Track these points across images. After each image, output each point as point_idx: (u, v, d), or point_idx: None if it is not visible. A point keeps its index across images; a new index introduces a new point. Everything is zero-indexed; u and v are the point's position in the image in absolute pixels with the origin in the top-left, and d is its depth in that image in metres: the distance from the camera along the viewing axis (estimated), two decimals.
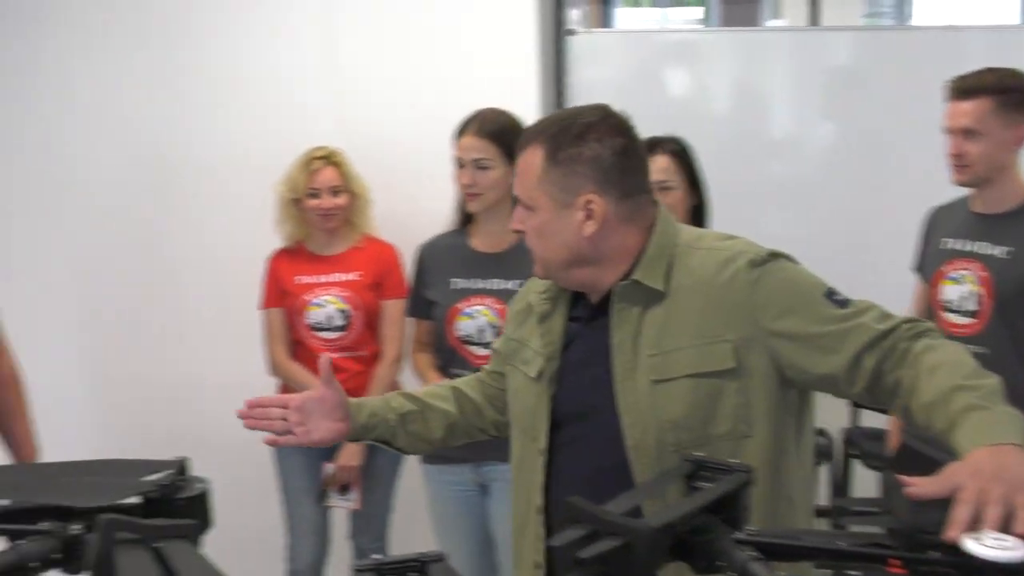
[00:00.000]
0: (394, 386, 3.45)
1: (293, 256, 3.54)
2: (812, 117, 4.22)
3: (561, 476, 1.93)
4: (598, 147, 1.85)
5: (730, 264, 1.84)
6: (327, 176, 3.43)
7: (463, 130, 3.06)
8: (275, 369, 3.55)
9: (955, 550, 1.15)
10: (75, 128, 4.16)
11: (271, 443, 2.05)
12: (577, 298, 1.99)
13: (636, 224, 1.89)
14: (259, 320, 3.59)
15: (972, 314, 2.89)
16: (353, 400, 2.06)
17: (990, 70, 2.89)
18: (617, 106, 3.88)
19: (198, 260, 4.15)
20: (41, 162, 4.17)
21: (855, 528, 1.46)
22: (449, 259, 3.15)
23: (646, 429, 1.83)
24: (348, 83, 3.98)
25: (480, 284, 3.11)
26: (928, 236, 3.15)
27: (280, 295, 3.51)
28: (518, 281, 3.01)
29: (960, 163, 2.87)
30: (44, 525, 1.30)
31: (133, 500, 1.37)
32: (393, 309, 3.44)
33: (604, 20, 11.66)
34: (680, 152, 3.10)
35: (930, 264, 3.08)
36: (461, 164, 3.04)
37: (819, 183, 4.08)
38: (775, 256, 1.85)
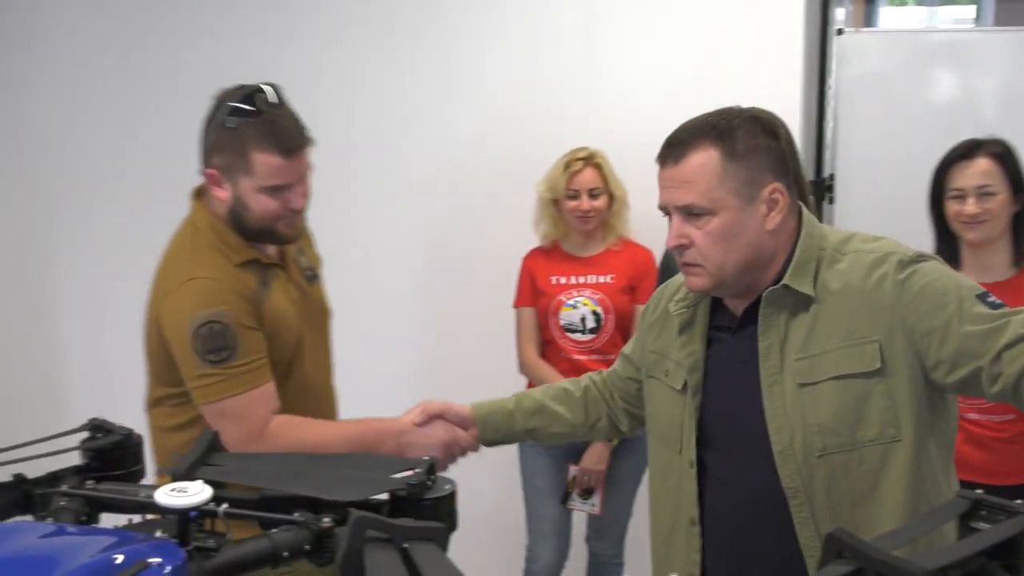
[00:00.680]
0: None
1: (548, 256, 3.58)
2: None
3: (711, 487, 1.96)
4: (768, 139, 1.87)
5: (879, 265, 1.86)
6: (587, 178, 3.44)
7: None
8: (524, 367, 3.58)
9: None
10: (358, 132, 4.31)
11: None
12: (715, 305, 2.00)
13: (793, 221, 1.92)
14: (512, 318, 3.63)
15: None
16: (476, 404, 2.27)
17: None
18: (880, 107, 3.71)
19: (464, 259, 4.24)
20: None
21: None
22: None
23: (792, 434, 1.84)
24: (608, 84, 3.98)
25: None
26: None
27: (534, 294, 3.55)
28: None
29: None
30: (297, 516, 1.33)
31: (383, 497, 1.40)
32: None
33: (868, 19, 11.26)
34: (1003, 155, 2.90)
35: None
36: None
37: None
38: (925, 256, 1.86)
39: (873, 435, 1.81)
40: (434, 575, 1.14)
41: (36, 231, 4.72)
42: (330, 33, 4.32)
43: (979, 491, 1.35)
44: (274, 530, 1.32)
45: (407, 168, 4.26)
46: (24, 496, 1.47)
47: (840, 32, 4.12)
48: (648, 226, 3.51)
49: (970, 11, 13.11)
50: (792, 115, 3.75)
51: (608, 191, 3.46)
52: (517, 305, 3.59)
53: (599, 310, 3.47)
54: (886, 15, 12.95)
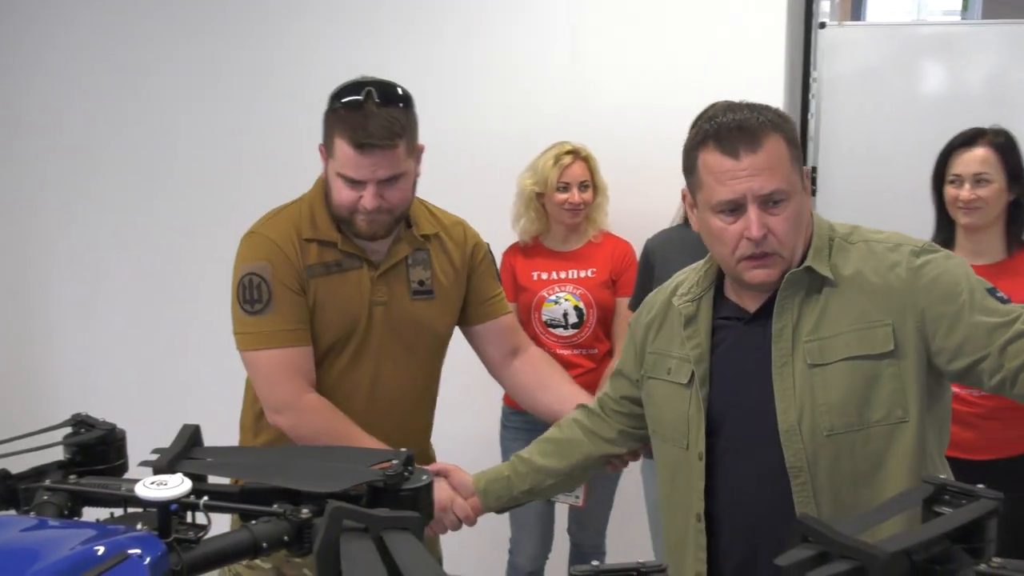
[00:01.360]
0: None
1: (529, 251, 3.59)
2: None
3: (721, 480, 1.96)
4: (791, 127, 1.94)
5: (891, 253, 1.90)
6: (577, 171, 3.46)
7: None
8: None
9: None
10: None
11: None
12: (717, 299, 2.02)
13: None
14: None
15: None
16: (476, 475, 2.23)
17: None
18: (867, 102, 3.75)
19: None
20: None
21: None
22: (684, 253, 2.99)
23: (801, 414, 1.86)
24: (590, 79, 4.00)
25: None
26: None
27: (516, 290, 3.54)
28: None
29: None
30: (276, 507, 1.35)
31: (428, 480, 1.42)
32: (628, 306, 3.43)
33: (855, 10, 11.27)
34: (1004, 145, 2.99)
35: None
36: None
37: None
38: (935, 247, 1.92)
39: (881, 416, 1.84)
40: (407, 563, 1.15)
41: (18, 226, 4.73)
42: (314, 30, 4.33)
43: (943, 476, 1.38)
44: (253, 522, 1.33)
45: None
46: (8, 491, 1.46)
47: (823, 26, 4.13)
48: (624, 220, 3.61)
49: (957, 3, 13.15)
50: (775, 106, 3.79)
51: (595, 184, 3.49)
52: None
53: (581, 305, 3.48)
54: (874, 5, 12.97)
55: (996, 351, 1.75)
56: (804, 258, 1.91)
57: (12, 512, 1.47)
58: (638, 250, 3.44)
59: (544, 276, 3.52)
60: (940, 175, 3.03)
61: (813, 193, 4.16)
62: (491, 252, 2.70)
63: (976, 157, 2.93)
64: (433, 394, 2.66)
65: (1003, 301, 1.83)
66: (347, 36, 4.28)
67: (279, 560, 2.33)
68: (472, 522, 2.30)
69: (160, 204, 4.47)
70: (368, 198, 2.31)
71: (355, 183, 2.30)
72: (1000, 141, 2.97)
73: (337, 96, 2.36)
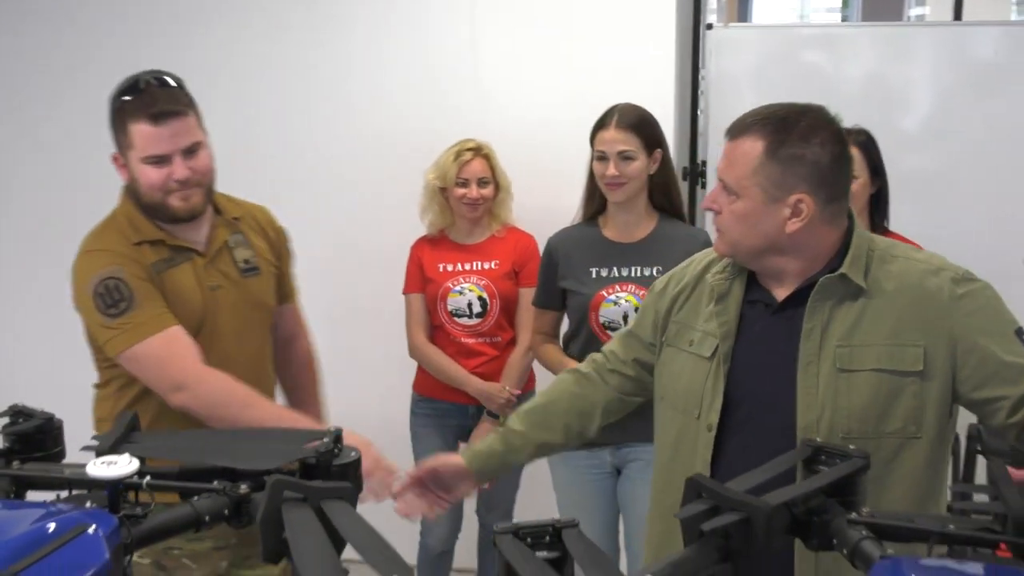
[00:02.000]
0: (526, 372, 3.54)
1: (435, 244, 3.62)
2: (954, 114, 4.11)
3: (727, 455, 1.97)
4: (820, 151, 1.89)
5: (933, 276, 1.92)
6: (476, 167, 3.49)
7: (603, 124, 3.07)
8: (414, 351, 3.63)
9: None
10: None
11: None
12: (750, 282, 2.04)
13: (834, 226, 1.95)
14: (400, 303, 3.67)
15: None
16: (466, 456, 2.24)
17: None
18: (753, 99, 3.84)
19: (348, 246, 4.28)
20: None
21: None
22: (586, 250, 3.16)
23: (821, 415, 1.89)
24: (489, 79, 4.06)
25: (621, 271, 3.11)
26: None
27: (422, 281, 3.59)
28: (658, 268, 3.03)
29: None
30: (216, 484, 1.39)
31: (294, 465, 1.42)
32: (531, 297, 3.43)
33: (741, 13, 11.49)
34: (866, 143, 3.12)
35: None
36: (603, 157, 3.03)
37: (961, 179, 4.03)
38: (975, 278, 1.92)
39: (895, 428, 1.87)
40: (346, 528, 1.20)
41: None
42: (228, 27, 4.31)
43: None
44: (195, 498, 1.37)
45: (305, 160, 4.30)
46: None
47: (710, 27, 4.19)
48: (526, 216, 3.66)
49: (838, 4, 13.48)
50: (666, 106, 3.86)
51: (495, 181, 3.52)
52: (406, 292, 3.64)
53: (484, 295, 3.52)
54: (759, 7, 13.24)
55: (1017, 396, 1.80)
56: (836, 266, 1.93)
57: None
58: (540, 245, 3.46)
59: (449, 268, 3.55)
60: None
61: (703, 185, 4.24)
62: (286, 236, 2.80)
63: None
64: (270, 365, 2.73)
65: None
66: (259, 39, 4.30)
67: (158, 553, 2.35)
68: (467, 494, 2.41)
69: (86, 195, 4.42)
70: (177, 168, 2.36)
71: (160, 159, 2.36)
72: (862, 139, 3.10)
73: (118, 95, 2.40)
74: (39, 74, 4.49)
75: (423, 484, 2.15)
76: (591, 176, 3.14)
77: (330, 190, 4.28)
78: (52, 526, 1.18)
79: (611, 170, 3.01)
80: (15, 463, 1.51)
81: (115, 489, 1.32)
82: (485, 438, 2.33)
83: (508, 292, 3.53)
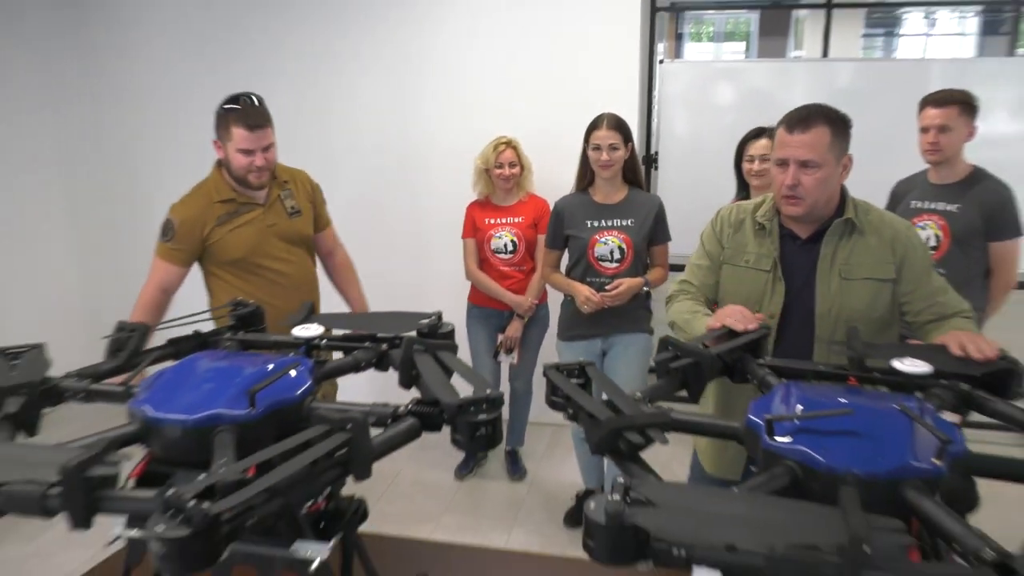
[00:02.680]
0: (541, 290, 3.56)
1: (483, 206, 3.61)
2: None
3: (784, 334, 1.98)
4: (848, 127, 1.91)
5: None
6: (508, 155, 3.48)
7: (597, 126, 3.04)
8: (469, 275, 3.64)
9: (889, 370, 1.21)
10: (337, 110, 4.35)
11: None
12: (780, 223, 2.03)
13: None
14: (460, 244, 3.68)
15: (934, 248, 2.95)
16: None
17: (954, 89, 2.94)
18: (686, 110, 3.75)
19: (425, 207, 4.30)
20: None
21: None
22: (583, 209, 3.16)
23: (831, 305, 1.93)
24: (517, 92, 4.05)
25: (608, 223, 3.11)
26: (897, 199, 3.15)
27: (474, 230, 3.60)
28: (631, 219, 3.07)
29: (935, 148, 2.91)
30: (366, 344, 1.44)
31: (413, 333, 1.45)
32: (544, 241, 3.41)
33: (677, 51, 11.34)
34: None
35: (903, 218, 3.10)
36: (598, 148, 3.02)
37: None
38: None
39: (878, 316, 1.92)
40: (452, 364, 1.25)
41: None
42: (326, 35, 4.24)
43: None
44: (355, 352, 1.41)
45: (403, 152, 4.28)
46: (201, 344, 1.50)
47: (661, 62, 4.19)
48: (543, 189, 3.63)
49: (741, 46, 13.31)
50: (632, 115, 3.87)
51: (521, 163, 3.51)
52: (463, 237, 3.62)
53: (515, 239, 3.51)
54: (690, 47, 13.06)
55: (927, 305, 1.89)
56: (841, 213, 1.95)
57: None
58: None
59: (491, 221, 3.55)
60: (739, 156, 3.16)
61: (656, 168, 4.27)
62: (320, 189, 2.89)
63: (761, 143, 3.05)
64: (315, 276, 2.85)
65: (939, 274, 1.98)
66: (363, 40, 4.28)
67: None
68: None
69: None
70: (257, 159, 2.52)
71: (249, 152, 2.51)
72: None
73: (226, 104, 2.54)
74: (163, 78, 4.48)
75: None
76: (583, 160, 3.14)
77: (420, 172, 4.29)
78: (271, 365, 1.22)
79: (604, 156, 3.04)
80: (240, 333, 1.56)
81: (308, 345, 1.39)
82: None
83: (530, 237, 3.52)
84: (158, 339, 1.54)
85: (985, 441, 1.55)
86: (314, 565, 1.13)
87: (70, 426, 1.55)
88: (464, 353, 3.67)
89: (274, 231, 2.66)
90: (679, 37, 12.31)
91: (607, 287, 3.04)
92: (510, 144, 3.51)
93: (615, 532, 0.79)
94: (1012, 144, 3.88)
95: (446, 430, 1.13)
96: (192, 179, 2.73)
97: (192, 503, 0.81)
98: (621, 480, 0.83)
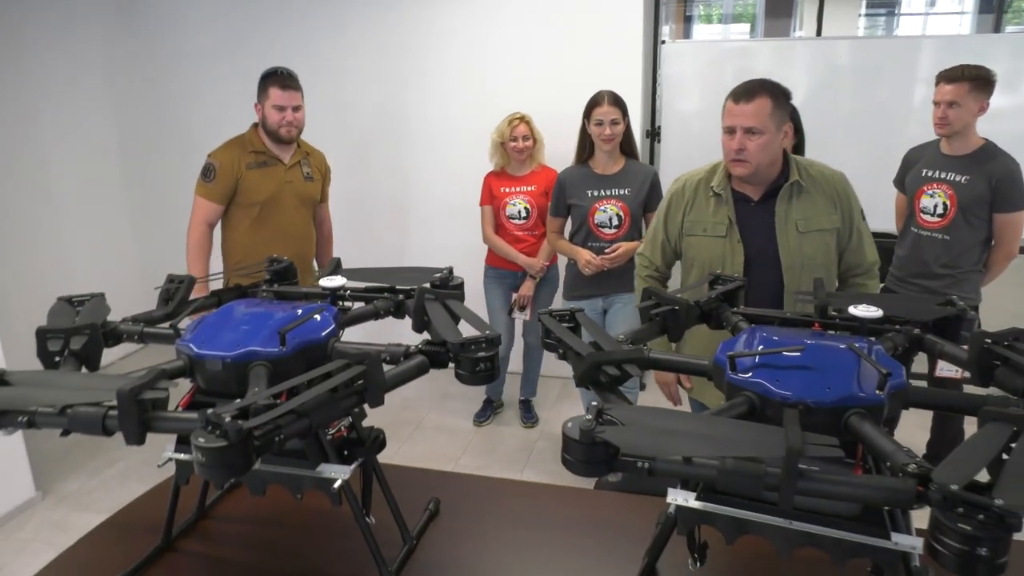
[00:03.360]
0: (552, 253, 3.59)
1: (499, 176, 3.64)
2: (819, 103, 4.06)
3: (749, 287, 2.03)
4: (788, 99, 2.00)
5: (833, 176, 2.07)
6: (521, 129, 3.50)
7: (599, 103, 3.07)
8: (485, 239, 3.68)
9: (848, 316, 1.24)
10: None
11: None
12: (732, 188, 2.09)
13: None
14: (478, 212, 3.72)
15: (941, 216, 2.96)
16: None
17: (968, 65, 2.87)
18: (687, 91, 3.76)
19: (446, 178, 4.33)
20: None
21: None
22: (583, 179, 3.19)
23: (794, 257, 2.02)
24: (526, 73, 4.06)
25: (607, 192, 3.15)
26: (908, 165, 3.14)
27: (490, 197, 3.63)
28: (628, 188, 3.11)
29: (944, 122, 2.88)
30: (385, 295, 1.47)
31: (427, 284, 1.45)
32: None
33: (686, 32, 11.17)
34: (793, 112, 2.98)
35: (912, 185, 3.09)
36: (600, 123, 3.06)
37: (827, 144, 3.94)
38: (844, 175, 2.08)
39: (828, 261, 2.04)
40: (458, 311, 1.28)
41: None
42: (370, 37, 4.28)
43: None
44: (374, 300, 1.44)
45: (435, 126, 4.32)
46: (241, 294, 1.52)
47: (663, 42, 4.19)
48: (552, 160, 3.67)
49: (747, 27, 13.06)
50: (635, 93, 3.89)
51: (532, 136, 3.52)
52: (481, 204, 3.66)
53: (528, 206, 3.55)
54: (699, 28, 12.85)
55: (849, 245, 2.03)
56: (788, 177, 2.03)
57: None
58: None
59: (506, 189, 3.58)
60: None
61: (658, 141, 4.32)
62: (330, 172, 3.17)
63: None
64: (313, 235, 3.11)
65: (863, 220, 2.09)
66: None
67: None
68: None
69: None
70: (288, 115, 2.85)
71: (282, 109, 2.83)
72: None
73: (266, 73, 2.87)
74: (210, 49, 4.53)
75: None
76: (583, 134, 3.17)
77: (451, 144, 4.32)
78: (300, 311, 1.26)
79: (607, 131, 3.07)
80: (275, 286, 1.59)
81: (334, 293, 1.44)
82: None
83: (542, 205, 3.54)
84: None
85: None
86: (336, 484, 1.20)
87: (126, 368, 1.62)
88: (482, 311, 3.79)
89: (290, 188, 2.93)
90: (688, 19, 12.13)
91: (606, 251, 3.09)
92: (523, 119, 3.52)
93: (587, 447, 0.84)
94: (999, 117, 3.83)
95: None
96: None
97: (228, 420, 0.88)
98: (595, 403, 0.88)
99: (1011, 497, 0.69)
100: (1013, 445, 0.81)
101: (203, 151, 2.98)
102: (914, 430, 3.18)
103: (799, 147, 3.09)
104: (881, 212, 3.28)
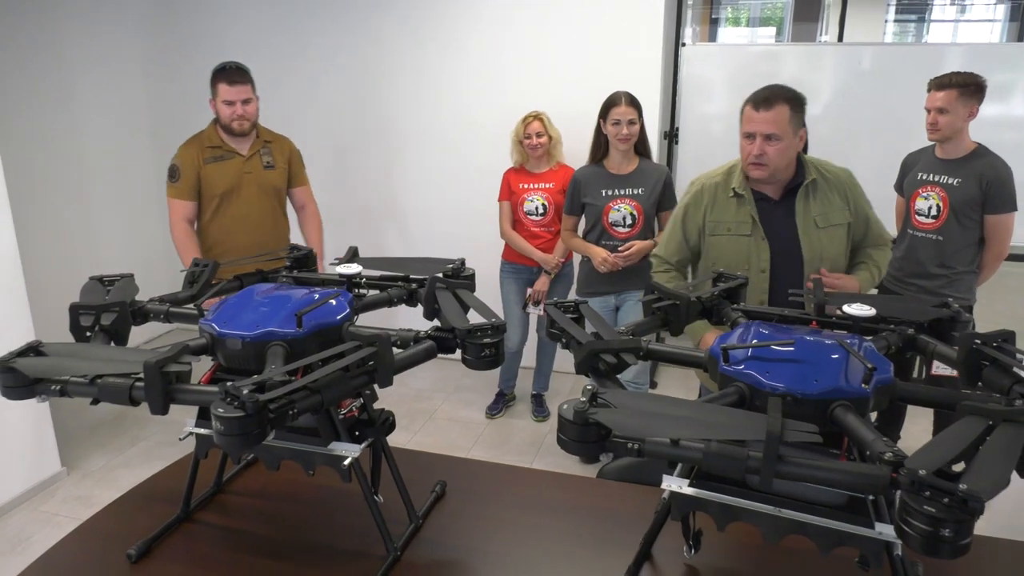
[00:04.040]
0: (568, 250, 3.60)
1: (517, 172, 3.67)
2: (840, 107, 4.06)
3: (775, 284, 2.11)
4: (804, 106, 2.05)
5: (843, 174, 2.13)
6: (535, 126, 3.54)
7: (616, 103, 3.09)
8: (503, 235, 3.72)
9: (844, 315, 1.26)
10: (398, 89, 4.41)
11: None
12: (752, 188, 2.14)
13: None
14: (496, 207, 3.76)
15: (935, 217, 3.00)
16: None
17: (956, 73, 2.94)
18: (706, 93, 3.78)
19: (467, 175, 4.37)
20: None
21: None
22: (598, 178, 3.22)
23: (814, 250, 2.08)
24: (547, 73, 4.08)
25: (621, 191, 3.18)
26: (906, 169, 3.19)
27: (509, 193, 3.66)
28: (641, 188, 3.14)
29: (934, 128, 2.94)
30: (399, 283, 1.50)
31: (439, 274, 1.42)
32: None
33: (712, 34, 11.10)
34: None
35: (908, 188, 3.15)
36: (618, 123, 3.09)
37: (850, 146, 3.93)
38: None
39: (842, 252, 2.11)
40: (468, 300, 1.32)
41: None
42: (400, 40, 4.32)
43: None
44: (389, 288, 1.47)
45: (459, 125, 4.36)
46: (262, 279, 1.55)
47: (684, 45, 4.19)
48: (571, 159, 3.71)
49: (773, 30, 12.95)
50: (654, 94, 3.93)
51: (549, 134, 3.54)
52: (500, 199, 3.70)
53: (545, 203, 3.58)
54: (726, 31, 12.77)
55: (863, 235, 2.10)
56: (803, 176, 2.08)
57: None
58: None
59: (525, 186, 3.61)
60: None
61: (676, 142, 4.32)
62: (300, 154, 3.21)
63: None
64: (282, 221, 3.16)
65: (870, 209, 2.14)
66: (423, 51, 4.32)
67: None
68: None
69: None
70: (238, 108, 2.91)
71: (231, 103, 2.90)
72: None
73: (216, 70, 2.93)
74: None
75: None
76: (597, 133, 3.20)
77: (472, 141, 4.35)
78: (317, 295, 1.30)
79: (624, 131, 3.11)
80: (294, 272, 1.62)
81: (349, 280, 1.49)
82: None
83: (559, 202, 3.56)
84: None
85: None
86: (346, 461, 1.25)
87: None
88: (497, 305, 3.83)
89: (250, 178, 3.01)
90: (714, 21, 12.05)
91: (620, 249, 3.12)
92: (537, 117, 3.56)
93: (581, 428, 0.89)
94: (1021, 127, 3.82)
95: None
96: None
97: (246, 392, 0.94)
98: (589, 387, 0.93)
99: (974, 483, 0.73)
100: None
101: None
102: (924, 435, 3.19)
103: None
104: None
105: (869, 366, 1.00)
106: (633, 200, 3.15)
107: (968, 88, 2.88)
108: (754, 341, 1.10)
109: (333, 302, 1.29)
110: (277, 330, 1.20)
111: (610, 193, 3.18)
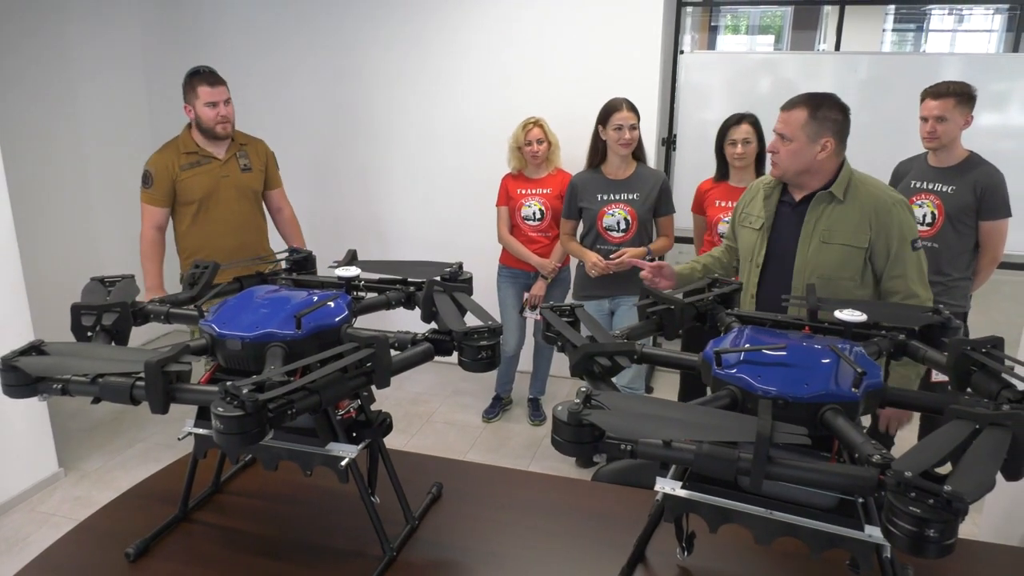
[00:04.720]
0: (565, 255, 3.59)
1: (515, 178, 3.67)
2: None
3: (765, 281, 2.14)
4: (839, 115, 2.01)
5: (885, 196, 2.03)
6: (535, 132, 3.53)
7: (618, 108, 3.10)
8: (500, 239, 3.71)
9: (837, 321, 1.27)
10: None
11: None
12: (784, 192, 2.15)
13: (837, 159, 2.06)
14: (494, 212, 3.74)
15: (930, 225, 3.00)
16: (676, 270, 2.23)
17: (952, 82, 2.95)
18: (703, 101, 3.82)
19: (465, 180, 4.36)
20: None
21: None
22: (594, 183, 3.22)
23: (806, 261, 2.05)
24: (546, 79, 4.08)
25: (616, 196, 3.19)
26: (898, 177, 3.19)
27: (507, 198, 3.66)
28: (637, 193, 3.15)
29: (933, 136, 2.93)
30: (397, 286, 1.51)
31: (437, 277, 1.49)
32: None
33: (711, 42, 11.13)
34: (756, 123, 3.13)
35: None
36: (620, 128, 3.10)
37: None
38: (902, 200, 2.03)
39: (846, 276, 2.02)
40: (465, 303, 1.33)
41: None
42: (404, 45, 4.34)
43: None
44: (387, 291, 1.49)
45: (456, 133, 4.36)
46: (262, 282, 1.55)
47: (682, 52, 4.20)
48: (568, 164, 3.68)
49: (771, 38, 13.01)
50: (652, 101, 3.94)
51: (547, 140, 3.54)
52: (497, 204, 3.68)
53: (543, 208, 3.57)
54: (725, 39, 12.81)
55: (898, 277, 1.98)
56: (830, 184, 2.04)
57: None
58: None
59: (522, 191, 3.61)
60: (721, 139, 3.18)
61: (674, 149, 4.32)
62: (275, 156, 3.17)
63: (743, 128, 3.10)
64: (261, 223, 3.13)
65: (915, 248, 2.01)
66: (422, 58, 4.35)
67: None
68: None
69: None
70: (222, 109, 2.87)
71: (214, 104, 2.86)
72: (754, 120, 3.13)
73: (190, 74, 2.89)
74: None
75: (658, 272, 2.17)
76: (595, 139, 3.21)
77: (470, 146, 4.35)
78: (316, 297, 1.32)
79: (626, 136, 3.13)
80: (293, 274, 1.64)
81: (348, 283, 1.50)
82: (685, 264, 2.34)
83: (557, 207, 3.56)
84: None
85: None
86: (344, 462, 1.26)
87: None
88: (494, 309, 3.83)
89: (228, 182, 2.98)
90: (713, 29, 12.09)
91: (612, 255, 3.14)
92: (537, 123, 3.56)
93: (575, 429, 0.90)
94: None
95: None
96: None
97: (246, 392, 0.95)
98: (583, 389, 0.95)
99: (959, 484, 0.74)
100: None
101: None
102: (913, 439, 3.20)
103: (759, 155, 3.14)
104: None
105: (859, 370, 1.01)
106: (627, 205, 3.17)
107: (963, 97, 2.92)
108: (746, 345, 1.11)
109: (332, 304, 1.31)
110: (276, 331, 1.21)
111: (605, 198, 3.20)
